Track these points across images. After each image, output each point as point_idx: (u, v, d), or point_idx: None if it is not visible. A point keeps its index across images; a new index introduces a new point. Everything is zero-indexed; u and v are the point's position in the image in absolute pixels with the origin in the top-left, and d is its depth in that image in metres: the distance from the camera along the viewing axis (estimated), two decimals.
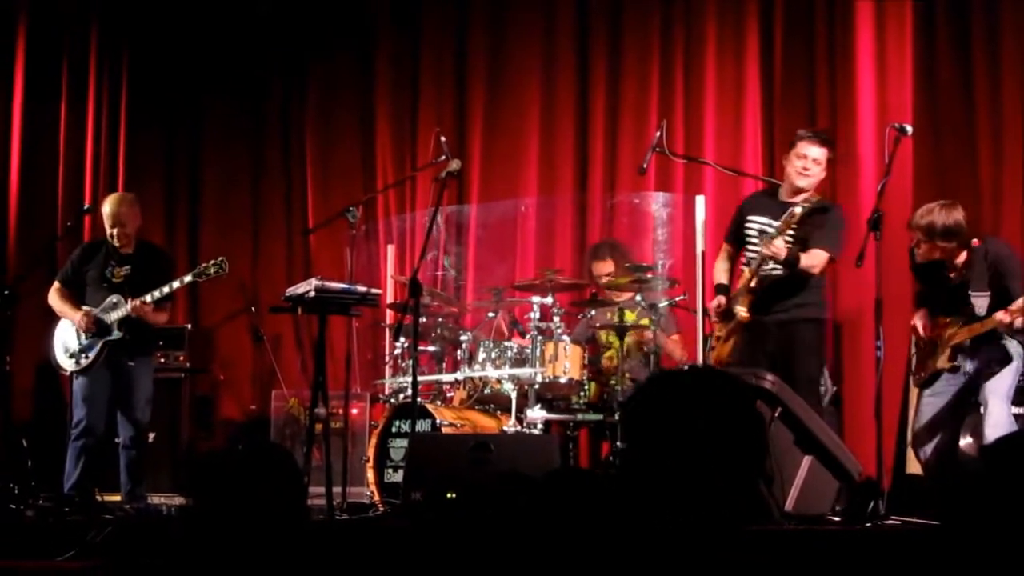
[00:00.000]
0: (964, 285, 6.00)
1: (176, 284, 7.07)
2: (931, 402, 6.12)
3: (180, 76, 9.64)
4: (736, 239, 6.74)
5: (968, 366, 6.03)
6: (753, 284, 6.39)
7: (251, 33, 9.54)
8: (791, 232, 6.30)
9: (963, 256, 6.00)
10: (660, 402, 2.23)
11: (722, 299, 6.62)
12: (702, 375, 2.31)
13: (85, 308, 7.11)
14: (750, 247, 6.54)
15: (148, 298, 6.97)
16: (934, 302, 6.20)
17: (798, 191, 6.50)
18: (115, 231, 7.19)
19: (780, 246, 6.23)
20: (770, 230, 6.39)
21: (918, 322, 6.23)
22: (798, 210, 6.26)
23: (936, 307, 6.18)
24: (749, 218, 6.59)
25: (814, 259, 6.38)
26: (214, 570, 2.58)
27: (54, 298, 7.27)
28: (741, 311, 6.38)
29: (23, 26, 9.72)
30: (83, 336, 7.08)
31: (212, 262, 7.10)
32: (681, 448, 2.15)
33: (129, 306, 6.98)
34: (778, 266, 6.36)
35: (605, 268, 7.71)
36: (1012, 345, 5.96)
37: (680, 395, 2.22)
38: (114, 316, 7.03)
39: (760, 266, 6.36)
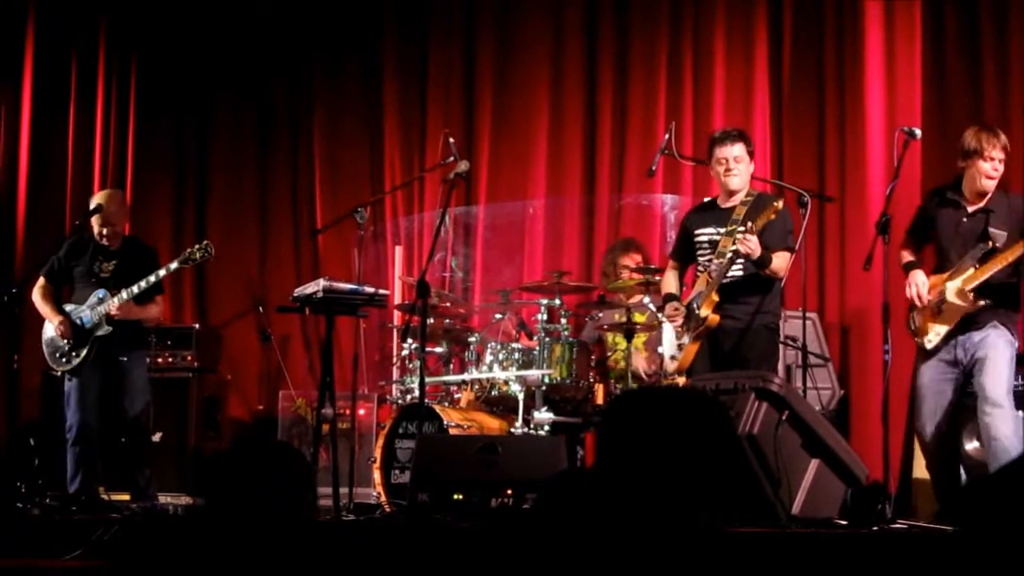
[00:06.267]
0: (985, 217, 5.81)
1: (162, 272, 7.03)
2: (935, 388, 5.89)
3: (188, 77, 9.68)
4: (683, 256, 6.61)
5: (960, 353, 5.83)
6: (715, 292, 6.20)
7: (259, 34, 9.57)
8: (742, 229, 6.14)
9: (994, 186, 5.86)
10: (633, 420, 2.21)
11: (678, 305, 6.40)
12: (676, 395, 2.29)
13: (62, 315, 7.05)
14: (702, 259, 6.39)
15: (125, 295, 6.96)
16: (943, 248, 5.95)
17: (732, 193, 6.38)
18: (105, 230, 7.13)
19: (755, 242, 6.03)
20: (718, 238, 6.28)
21: (916, 282, 5.93)
22: (741, 205, 6.24)
23: (941, 256, 5.96)
24: (696, 232, 6.45)
25: (782, 261, 6.25)
26: (222, 569, 2.58)
27: (37, 295, 7.21)
28: (712, 316, 6.20)
29: (32, 26, 9.75)
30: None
31: (197, 246, 7.07)
32: (653, 464, 2.13)
33: (112, 307, 6.97)
34: (739, 271, 6.24)
35: (636, 259, 7.65)
36: (1002, 335, 5.79)
37: (653, 414, 2.19)
38: (101, 311, 7.00)
39: (725, 271, 6.19)
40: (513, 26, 9.04)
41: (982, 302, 5.75)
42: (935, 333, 5.88)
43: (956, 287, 5.81)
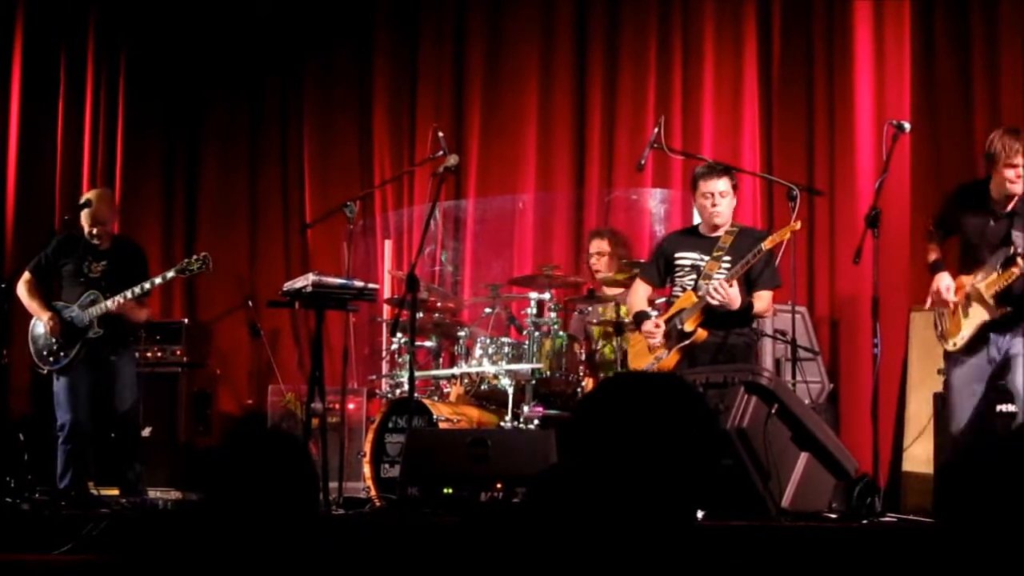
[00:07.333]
0: (1009, 221, 5.73)
1: (158, 280, 7.03)
2: (968, 391, 5.75)
3: (178, 72, 9.66)
4: (655, 277, 6.57)
5: (994, 352, 5.71)
6: (701, 311, 6.18)
7: (249, 30, 9.56)
8: (727, 264, 6.21)
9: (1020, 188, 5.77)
10: (612, 406, 2.21)
11: (659, 322, 6.38)
12: (656, 380, 2.28)
13: (52, 311, 7.02)
14: (682, 280, 6.38)
15: (129, 294, 6.94)
16: (973, 247, 5.85)
17: (716, 227, 6.38)
18: (95, 230, 7.10)
19: (735, 295, 6.06)
20: (701, 263, 6.30)
21: (942, 285, 5.81)
22: (727, 236, 6.28)
23: (967, 258, 5.87)
24: (678, 255, 6.43)
25: (764, 302, 6.29)
26: (212, 564, 2.57)
27: (23, 291, 7.16)
28: (700, 331, 6.20)
29: (21, 23, 9.73)
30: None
31: (195, 258, 7.07)
32: (631, 451, 2.13)
33: (113, 304, 6.94)
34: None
35: (600, 246, 7.68)
36: None
37: (633, 400, 2.19)
38: (93, 312, 6.97)
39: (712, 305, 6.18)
40: (503, 21, 9.03)
41: (1005, 309, 5.67)
42: (961, 336, 5.78)
43: (980, 291, 5.73)
